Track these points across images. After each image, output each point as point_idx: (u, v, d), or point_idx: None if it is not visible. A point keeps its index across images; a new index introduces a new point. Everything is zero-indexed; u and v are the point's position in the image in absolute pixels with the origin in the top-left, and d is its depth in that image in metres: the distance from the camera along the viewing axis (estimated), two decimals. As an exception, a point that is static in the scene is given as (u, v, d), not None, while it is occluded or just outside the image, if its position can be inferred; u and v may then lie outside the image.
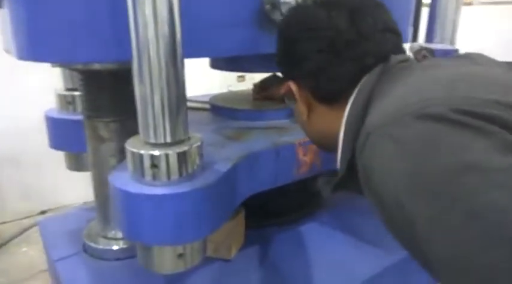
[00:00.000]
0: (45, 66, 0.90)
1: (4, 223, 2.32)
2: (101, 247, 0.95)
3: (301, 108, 0.70)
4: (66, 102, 1.09)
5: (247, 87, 3.13)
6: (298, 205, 1.16)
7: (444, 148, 0.41)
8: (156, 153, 0.62)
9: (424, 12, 1.25)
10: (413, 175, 0.42)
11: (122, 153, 0.86)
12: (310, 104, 0.69)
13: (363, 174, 0.50)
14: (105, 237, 0.96)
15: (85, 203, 2.29)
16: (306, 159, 0.92)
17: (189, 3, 0.60)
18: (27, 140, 2.22)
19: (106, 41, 0.67)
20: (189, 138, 0.67)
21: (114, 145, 0.87)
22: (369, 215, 1.18)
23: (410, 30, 1.24)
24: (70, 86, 1.09)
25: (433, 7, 1.16)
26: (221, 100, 1.16)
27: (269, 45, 0.91)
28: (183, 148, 0.63)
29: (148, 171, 0.63)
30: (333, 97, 0.64)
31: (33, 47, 0.66)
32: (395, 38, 0.64)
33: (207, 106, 1.17)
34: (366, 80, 0.59)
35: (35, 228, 2.02)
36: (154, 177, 0.63)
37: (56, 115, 1.08)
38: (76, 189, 2.33)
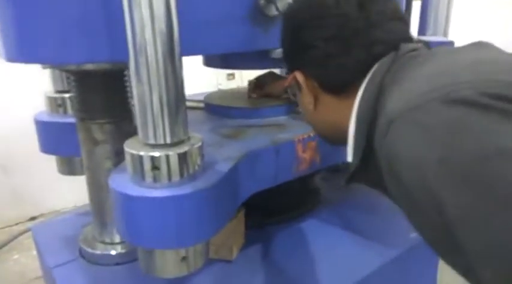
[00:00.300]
0: (33, 68, 0.87)
1: (-7, 230, 2.28)
2: (98, 252, 0.93)
3: (307, 99, 0.68)
4: (56, 104, 1.06)
5: (237, 85, 3.13)
6: (297, 203, 1.15)
7: (475, 134, 0.40)
8: (157, 154, 0.60)
9: (415, 6, 1.25)
10: (444, 161, 0.41)
11: (117, 155, 0.84)
12: (317, 95, 0.67)
13: (385, 162, 0.48)
14: (103, 242, 0.94)
15: (75, 207, 2.26)
16: (306, 155, 0.91)
17: (184, 0, 0.58)
18: (14, 144, 2.17)
19: (100, 40, 0.65)
20: (189, 138, 0.65)
21: (109, 147, 0.85)
22: (368, 211, 1.19)
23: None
24: (60, 88, 1.06)
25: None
26: (216, 98, 1.14)
27: (264, 41, 0.90)
28: (184, 148, 0.62)
29: (148, 173, 0.61)
30: (342, 87, 0.63)
31: (24, 48, 0.64)
32: (404, 26, 0.63)
33: (201, 105, 1.15)
34: (377, 68, 0.58)
35: (26, 234, 1.98)
36: (155, 179, 0.61)
37: (46, 118, 1.05)
38: (66, 193, 2.30)
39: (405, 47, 0.59)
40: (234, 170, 0.73)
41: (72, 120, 0.92)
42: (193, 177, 0.64)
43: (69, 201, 2.37)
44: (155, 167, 0.60)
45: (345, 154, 1.01)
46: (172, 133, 0.61)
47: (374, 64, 0.59)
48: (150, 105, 0.59)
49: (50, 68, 0.96)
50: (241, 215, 0.98)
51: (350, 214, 1.17)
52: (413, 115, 0.45)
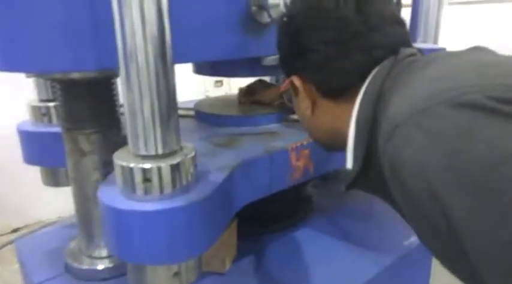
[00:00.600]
0: (16, 75, 0.84)
1: (-26, 243, 2.19)
2: (85, 267, 0.89)
3: (304, 104, 0.67)
4: (40, 113, 1.02)
5: (225, 92, 3.12)
6: (290, 212, 1.14)
7: (482, 139, 0.39)
8: (148, 166, 0.57)
9: (404, 13, 1.26)
10: (451, 168, 0.40)
11: (105, 166, 0.81)
12: (314, 100, 0.66)
13: (389, 167, 0.47)
14: (90, 256, 0.90)
15: (60, 218, 2.20)
16: (299, 164, 0.89)
17: (173, 6, 0.56)
18: (-3, 154, 2.11)
19: (86, 47, 0.62)
20: (181, 148, 0.63)
21: (97, 158, 0.81)
22: (361, 219, 1.18)
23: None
24: (44, 97, 1.03)
25: (415, 6, 1.16)
26: (206, 106, 1.12)
27: (256, 48, 0.89)
28: (177, 159, 0.59)
29: (139, 186, 0.58)
30: (341, 91, 0.61)
31: (6, 56, 0.61)
32: (403, 30, 0.62)
33: (191, 113, 1.13)
34: (376, 72, 0.57)
35: (9, 247, 1.91)
36: (146, 191, 0.58)
37: (29, 128, 1.01)
38: (51, 203, 2.23)
39: (404, 51, 0.58)
40: (228, 180, 0.71)
41: (57, 129, 0.89)
42: (186, 189, 0.62)
43: (54, 212, 2.31)
44: (146, 179, 0.58)
45: (337, 162, 1.01)
46: (164, 143, 0.59)
47: (373, 68, 0.58)
48: (141, 114, 0.56)
49: (34, 76, 0.93)
50: (234, 225, 0.96)
51: (343, 222, 1.16)
52: (419, 120, 0.43)
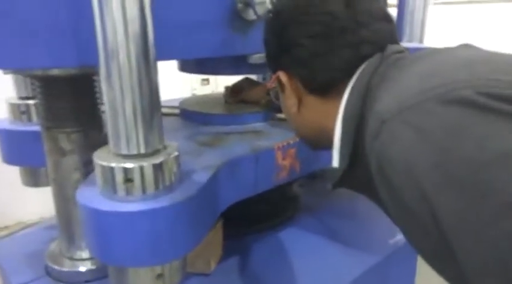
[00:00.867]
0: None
1: (-48, 245, 2.13)
2: (66, 269, 0.87)
3: (291, 101, 0.66)
4: (19, 112, 0.99)
5: (212, 90, 3.10)
6: (276, 211, 1.13)
7: (472, 137, 0.38)
8: (130, 165, 0.56)
9: (390, 13, 1.26)
10: (439, 166, 0.39)
11: (86, 166, 0.79)
12: (301, 96, 0.65)
13: (376, 165, 0.46)
14: (71, 258, 0.88)
15: (42, 219, 2.15)
16: (285, 163, 0.88)
17: (156, 2, 0.54)
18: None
19: (67, 44, 0.61)
20: (164, 147, 0.61)
21: (77, 157, 0.79)
22: (347, 218, 1.18)
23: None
24: (24, 94, 1.00)
25: (401, 6, 1.16)
26: (192, 104, 1.11)
27: (242, 46, 0.88)
28: (160, 158, 0.58)
29: (121, 186, 0.56)
30: (327, 88, 0.60)
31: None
32: (390, 27, 0.61)
33: (176, 111, 1.11)
34: (364, 69, 0.56)
35: (-12, 249, 1.86)
36: (128, 192, 0.57)
37: (8, 126, 0.98)
38: (31, 204, 2.18)
39: (392, 47, 0.57)
40: (212, 180, 0.70)
41: (37, 128, 0.86)
42: (169, 189, 0.60)
43: (36, 213, 2.26)
44: (128, 179, 0.56)
45: (324, 161, 1.00)
46: (147, 142, 0.57)
47: (360, 64, 0.57)
48: (122, 112, 0.55)
49: (12, 73, 0.90)
50: (219, 226, 0.94)
51: (330, 221, 1.16)
52: (407, 116, 0.42)
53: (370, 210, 1.25)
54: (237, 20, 0.83)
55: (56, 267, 0.87)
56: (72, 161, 0.79)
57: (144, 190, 0.57)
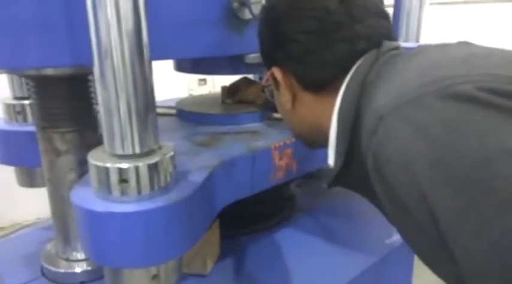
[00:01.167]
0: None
1: None
2: (62, 270, 0.86)
3: (285, 97, 0.65)
4: (15, 112, 0.98)
5: (209, 90, 3.09)
6: (273, 211, 1.13)
7: (473, 133, 0.37)
8: (125, 165, 0.55)
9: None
10: (438, 163, 0.38)
11: (81, 166, 0.79)
12: (295, 93, 0.64)
13: (373, 162, 0.45)
14: (66, 259, 0.88)
15: (38, 219, 2.14)
16: (282, 163, 0.88)
17: (151, 1, 0.54)
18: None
19: (60, 43, 0.60)
20: (160, 147, 0.61)
21: (72, 157, 0.79)
22: (344, 218, 1.18)
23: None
24: (19, 94, 0.99)
25: (397, 6, 1.16)
26: (189, 104, 1.10)
27: (238, 46, 0.87)
28: (155, 159, 0.57)
29: (115, 186, 0.56)
30: (322, 84, 0.60)
31: (-26, 50, 0.58)
32: (386, 23, 0.61)
33: (173, 111, 1.11)
34: (359, 65, 0.55)
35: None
36: (123, 192, 0.56)
37: (3, 127, 0.98)
38: (28, 205, 2.17)
39: (388, 44, 0.57)
40: (209, 180, 0.69)
41: (32, 128, 0.85)
42: (165, 189, 0.60)
43: (32, 214, 2.25)
44: (123, 180, 0.56)
45: (320, 161, 1.00)
46: (142, 142, 0.57)
47: (356, 61, 0.56)
48: (117, 112, 0.54)
49: (6, 72, 0.89)
50: (216, 226, 0.94)
51: (326, 221, 1.15)
52: (405, 111, 0.41)
53: (367, 210, 1.25)
54: (233, 20, 0.83)
55: (52, 268, 0.87)
56: (67, 161, 0.78)
57: (139, 190, 0.57)
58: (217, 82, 2.97)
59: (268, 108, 1.03)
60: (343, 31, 0.57)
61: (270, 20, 0.64)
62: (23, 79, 0.97)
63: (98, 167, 0.56)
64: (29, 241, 1.04)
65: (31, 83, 0.76)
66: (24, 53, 0.59)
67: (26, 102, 0.97)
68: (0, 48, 0.58)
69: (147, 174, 0.57)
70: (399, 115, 0.42)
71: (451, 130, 0.38)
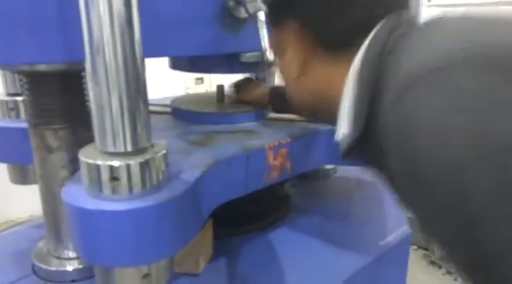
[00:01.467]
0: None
1: None
2: (53, 268, 0.85)
3: (293, 61, 0.61)
4: (7, 108, 0.97)
5: (206, 89, 3.09)
6: (267, 211, 1.12)
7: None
8: (116, 163, 0.55)
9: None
10: (475, 136, 0.34)
11: (73, 164, 0.78)
12: (306, 57, 0.60)
13: (395, 137, 0.41)
14: (58, 257, 0.87)
15: (31, 217, 2.13)
16: (276, 163, 0.88)
17: (147, -3, 0.54)
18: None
19: (53, 38, 0.59)
20: (152, 146, 0.60)
21: (65, 155, 0.78)
22: (338, 218, 1.18)
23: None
24: (12, 91, 0.98)
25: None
26: (183, 103, 1.10)
27: (233, 44, 0.87)
28: (147, 157, 0.57)
29: (106, 184, 0.55)
30: (339, 45, 0.56)
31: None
32: None
33: (168, 109, 1.10)
34: (379, 29, 0.52)
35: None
36: (114, 190, 0.56)
37: (-4, 123, 0.97)
38: (21, 201, 2.16)
39: (407, 12, 0.54)
40: (202, 179, 0.69)
41: (25, 125, 0.84)
42: (156, 188, 0.59)
43: (25, 211, 2.24)
44: (114, 177, 0.55)
45: (316, 161, 1.00)
46: (134, 140, 0.56)
47: (374, 26, 0.52)
48: (108, 109, 0.54)
49: (-2, 68, 0.89)
50: (209, 225, 0.94)
51: (321, 221, 1.15)
52: (442, 77, 0.37)
53: (362, 211, 1.25)
54: (228, 18, 0.82)
55: (43, 266, 0.86)
56: (59, 158, 0.77)
57: (130, 188, 0.56)
58: (214, 81, 2.97)
59: (265, 108, 1.03)
60: None
61: None
62: (16, 76, 0.96)
63: (88, 164, 0.56)
64: (21, 238, 1.03)
65: (23, 79, 0.75)
66: (16, 48, 0.58)
67: (19, 98, 0.97)
68: (-9, 43, 0.57)
69: (138, 172, 0.56)
70: (435, 82, 0.37)
71: (490, 103, 0.34)
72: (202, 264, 0.91)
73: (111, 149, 0.56)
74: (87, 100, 0.79)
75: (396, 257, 1.15)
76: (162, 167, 0.60)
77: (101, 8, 0.49)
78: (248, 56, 0.90)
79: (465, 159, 0.34)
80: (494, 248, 0.34)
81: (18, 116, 0.98)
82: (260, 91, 1.07)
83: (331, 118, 0.58)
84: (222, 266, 0.94)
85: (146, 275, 0.62)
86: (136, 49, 0.53)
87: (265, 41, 0.78)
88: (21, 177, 1.07)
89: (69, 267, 0.85)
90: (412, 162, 0.39)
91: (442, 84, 0.37)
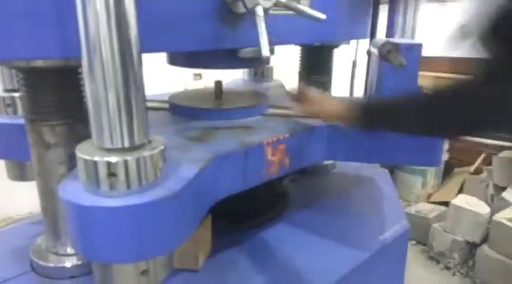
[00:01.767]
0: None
1: None
2: (51, 264, 0.85)
3: None
4: (5, 104, 0.97)
5: (205, 85, 3.07)
6: (266, 207, 1.12)
7: None
8: (113, 159, 0.55)
9: (382, 9, 1.25)
10: None
11: (71, 160, 0.78)
12: None
13: None
14: (56, 253, 0.87)
15: (31, 214, 2.13)
16: (275, 159, 0.88)
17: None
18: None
19: (50, 34, 0.59)
20: (149, 142, 0.60)
21: (62, 151, 0.78)
22: (337, 214, 1.18)
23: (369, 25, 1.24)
24: (9, 87, 0.98)
25: (392, 2, 1.15)
26: (181, 99, 1.09)
27: (231, 40, 0.86)
28: (144, 153, 0.57)
29: (104, 181, 0.55)
30: None
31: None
32: None
33: (166, 105, 1.10)
34: None
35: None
36: (112, 186, 0.56)
37: (-7, 119, 0.97)
38: (21, 198, 2.16)
39: None
40: (200, 175, 0.69)
41: (23, 121, 0.84)
42: (154, 184, 0.59)
43: (25, 207, 2.23)
44: (111, 174, 0.55)
45: (314, 157, 1.00)
46: (131, 136, 0.56)
47: None
48: (105, 105, 0.53)
49: (-5, 64, 0.88)
50: (208, 221, 0.94)
51: (319, 217, 1.15)
52: None
53: (360, 206, 1.25)
54: (226, 13, 0.82)
55: (41, 262, 0.86)
56: (56, 154, 0.77)
57: (128, 185, 0.56)
58: (212, 77, 2.96)
59: (265, 104, 1.02)
60: None
61: None
62: (13, 72, 0.96)
63: (86, 161, 0.55)
64: (19, 235, 1.03)
65: (20, 75, 0.74)
66: (13, 44, 0.58)
67: (16, 94, 0.96)
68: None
69: (136, 168, 0.56)
70: None
71: None
72: (201, 260, 0.91)
73: (108, 145, 0.55)
74: (84, 97, 0.78)
75: (394, 252, 1.15)
76: (160, 163, 0.60)
77: (98, 4, 0.49)
78: (246, 51, 0.90)
79: None
80: None
81: (15, 112, 0.97)
82: (339, 105, 0.90)
83: None
84: (220, 262, 0.94)
85: (144, 272, 0.62)
86: (133, 45, 0.53)
87: (263, 36, 0.77)
88: (19, 173, 1.06)
89: (68, 263, 0.85)
90: None
91: None
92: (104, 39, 0.50)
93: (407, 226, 1.16)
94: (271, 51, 0.94)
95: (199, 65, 1.02)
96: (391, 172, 3.51)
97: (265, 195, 1.12)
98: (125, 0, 0.51)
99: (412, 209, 3.14)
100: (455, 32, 0.51)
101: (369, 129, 0.87)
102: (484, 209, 2.65)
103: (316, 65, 1.33)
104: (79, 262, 0.85)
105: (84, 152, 0.56)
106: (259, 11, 0.78)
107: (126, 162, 0.55)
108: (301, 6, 0.85)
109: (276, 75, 1.54)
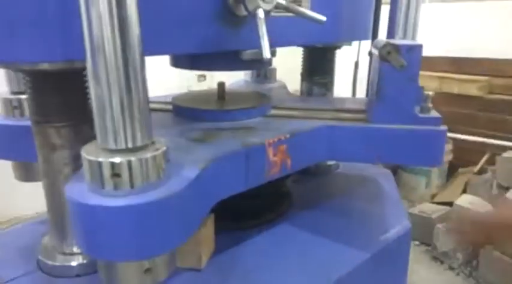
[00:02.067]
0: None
1: None
2: (58, 263, 0.87)
3: None
4: (12, 106, 0.99)
5: (208, 86, 3.09)
6: (269, 207, 1.13)
7: None
8: (117, 160, 0.56)
9: (384, 10, 1.26)
10: None
11: (76, 161, 0.79)
12: None
13: None
14: (62, 253, 0.88)
15: (37, 214, 2.15)
16: (276, 159, 0.89)
17: (147, -4, 0.54)
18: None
19: (54, 38, 0.61)
20: (153, 143, 0.61)
21: (68, 152, 0.79)
22: (339, 214, 1.19)
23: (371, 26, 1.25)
24: (16, 89, 1.00)
25: (394, 3, 1.16)
26: (184, 100, 1.11)
27: (234, 42, 0.88)
28: (148, 153, 0.58)
29: (108, 181, 0.57)
30: None
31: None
32: None
33: (169, 107, 1.11)
34: None
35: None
36: (116, 186, 0.57)
37: (0, 121, 0.98)
38: (28, 199, 2.18)
39: None
40: (202, 175, 0.70)
41: (29, 123, 0.86)
42: (157, 184, 0.60)
43: (31, 208, 2.26)
44: (116, 174, 0.56)
45: (316, 157, 1.01)
46: (135, 137, 0.57)
47: None
48: (109, 107, 0.55)
49: (1, 67, 0.90)
50: (211, 221, 0.95)
51: (322, 217, 1.16)
52: None
53: (363, 206, 1.26)
54: (229, 16, 0.83)
55: (48, 261, 0.88)
56: (62, 156, 0.79)
57: (131, 185, 0.57)
58: (216, 79, 2.98)
59: (266, 104, 1.04)
60: None
61: None
62: (20, 74, 0.98)
63: (90, 161, 0.57)
64: (26, 234, 1.04)
65: (26, 78, 0.76)
66: (17, 48, 0.60)
67: (23, 96, 0.98)
68: (-6, 42, 0.58)
69: (139, 169, 0.57)
70: None
71: None
72: (205, 259, 0.92)
73: (112, 146, 0.57)
74: (89, 98, 0.80)
75: (397, 252, 1.16)
76: (163, 163, 0.61)
77: (101, 7, 0.50)
78: (249, 53, 0.91)
79: None
80: None
81: (22, 114, 0.99)
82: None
83: None
84: (223, 261, 0.95)
85: (148, 270, 0.64)
86: (136, 47, 0.54)
87: (264, 39, 0.78)
88: (25, 174, 1.08)
89: (74, 262, 0.87)
90: None
91: None
92: (108, 42, 0.52)
93: (410, 226, 1.16)
94: (273, 53, 0.96)
95: (201, 67, 1.04)
96: (395, 173, 3.51)
97: (268, 195, 1.13)
98: (127, 3, 0.52)
99: (416, 209, 3.13)
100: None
101: None
102: (488, 209, 2.64)
103: (318, 66, 1.34)
104: (84, 261, 0.87)
105: (89, 153, 0.58)
106: (260, 13, 0.79)
107: (129, 163, 0.56)
108: (301, 9, 0.86)
109: (280, 76, 1.55)
